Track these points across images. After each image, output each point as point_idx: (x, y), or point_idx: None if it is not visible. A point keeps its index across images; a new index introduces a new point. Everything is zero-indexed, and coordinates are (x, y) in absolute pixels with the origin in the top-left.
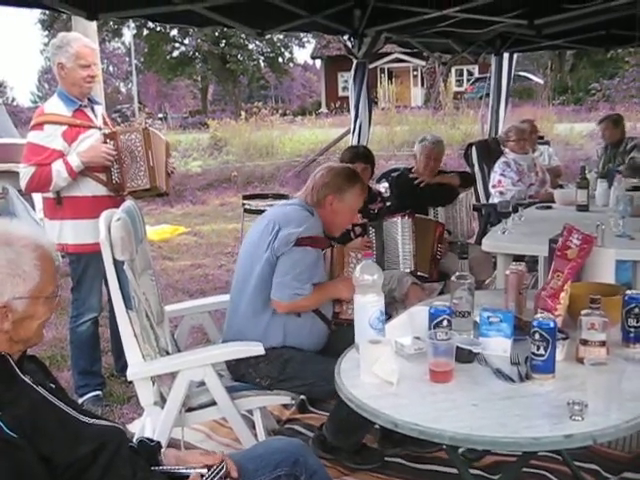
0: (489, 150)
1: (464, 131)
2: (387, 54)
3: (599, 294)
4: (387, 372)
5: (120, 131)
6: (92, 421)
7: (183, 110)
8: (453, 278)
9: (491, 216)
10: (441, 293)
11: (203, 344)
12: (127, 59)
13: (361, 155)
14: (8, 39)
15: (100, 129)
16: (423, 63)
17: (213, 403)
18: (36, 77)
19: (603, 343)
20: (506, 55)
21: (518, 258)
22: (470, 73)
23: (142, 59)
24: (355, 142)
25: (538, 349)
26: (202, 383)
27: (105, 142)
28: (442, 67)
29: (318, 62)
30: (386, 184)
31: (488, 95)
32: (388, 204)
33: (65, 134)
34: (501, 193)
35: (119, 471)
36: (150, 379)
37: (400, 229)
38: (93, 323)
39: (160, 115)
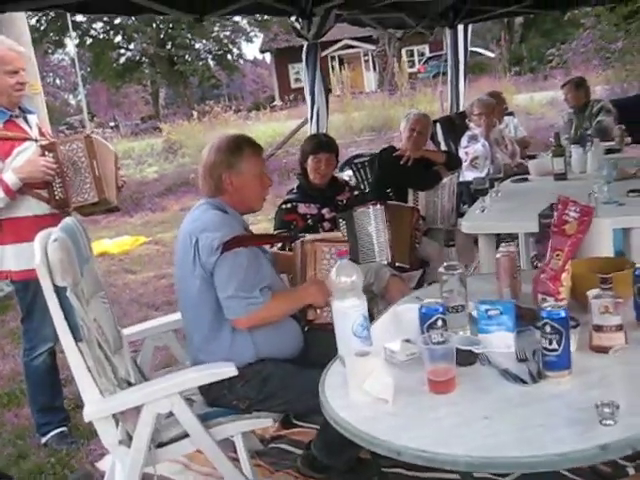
0: (454, 126)
1: (423, 110)
2: (336, 41)
3: (604, 270)
4: (380, 388)
5: (60, 141)
6: None
7: (136, 117)
8: (441, 269)
9: (463, 195)
10: (420, 281)
11: (171, 366)
12: (73, 70)
13: (324, 144)
14: None
15: (36, 140)
16: (373, 47)
17: (186, 435)
18: None
19: (620, 327)
20: (461, 27)
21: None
22: (421, 53)
23: (88, 69)
24: (314, 131)
25: (550, 343)
26: (172, 413)
27: (43, 155)
28: (393, 50)
29: (268, 56)
30: (350, 172)
31: (442, 74)
32: (356, 193)
33: None
34: (473, 161)
35: None
36: (112, 417)
37: (373, 219)
38: (49, 354)
39: (112, 124)
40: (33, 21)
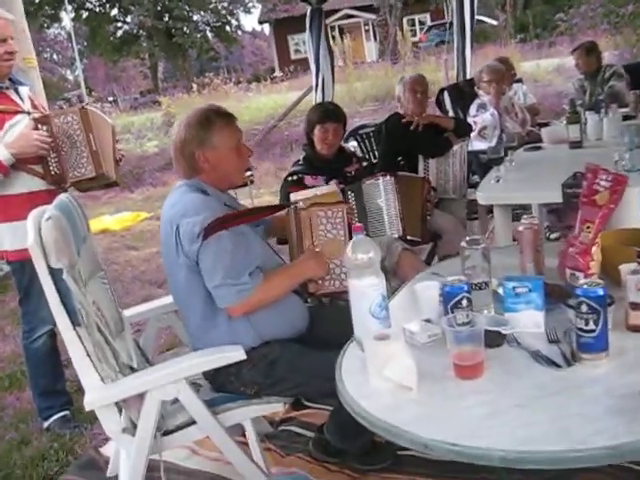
0: (462, 93)
1: (429, 79)
2: (336, 11)
3: (634, 243)
4: (403, 374)
5: (54, 114)
6: None
7: (135, 91)
8: (463, 243)
9: (472, 164)
10: (430, 254)
11: (176, 348)
12: (70, 45)
13: (331, 113)
14: None
15: (29, 113)
16: (374, 17)
17: (193, 422)
18: None
19: None
20: None
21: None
22: (422, 22)
23: (85, 43)
24: (320, 100)
25: (587, 323)
26: (177, 400)
27: (37, 128)
28: (394, 19)
29: (266, 28)
30: (354, 143)
31: (443, 42)
32: (364, 164)
33: None
34: (481, 131)
35: None
36: (114, 404)
37: (382, 191)
38: (49, 336)
39: (110, 98)
40: None
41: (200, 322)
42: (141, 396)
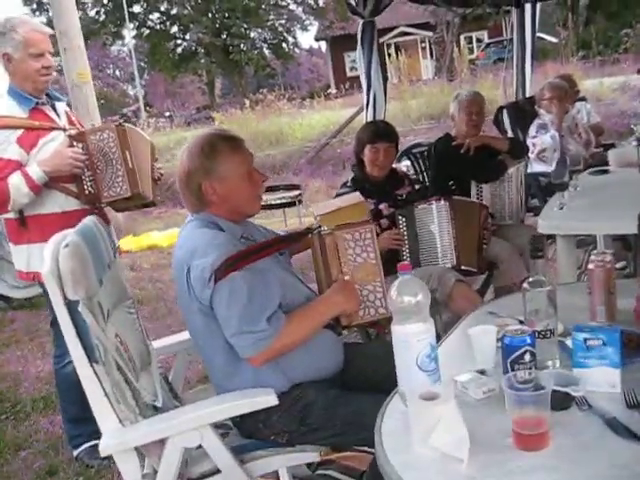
0: (522, 112)
1: (486, 97)
2: (392, 28)
3: None
4: (453, 443)
5: (89, 130)
6: None
7: (192, 107)
8: (525, 285)
9: (531, 187)
10: (485, 284)
11: (207, 383)
12: (131, 61)
13: (383, 132)
14: None
15: (65, 130)
16: (430, 34)
17: (219, 470)
18: None
19: None
20: (528, 7)
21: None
22: (479, 40)
23: (145, 59)
24: (371, 118)
25: None
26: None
27: (72, 145)
28: (451, 36)
29: (323, 45)
30: (408, 162)
31: (502, 59)
32: (417, 187)
33: (21, 140)
34: (540, 154)
35: None
36: (133, 449)
37: (436, 216)
38: None
39: (167, 114)
40: (92, 12)
41: (223, 368)
42: (162, 441)
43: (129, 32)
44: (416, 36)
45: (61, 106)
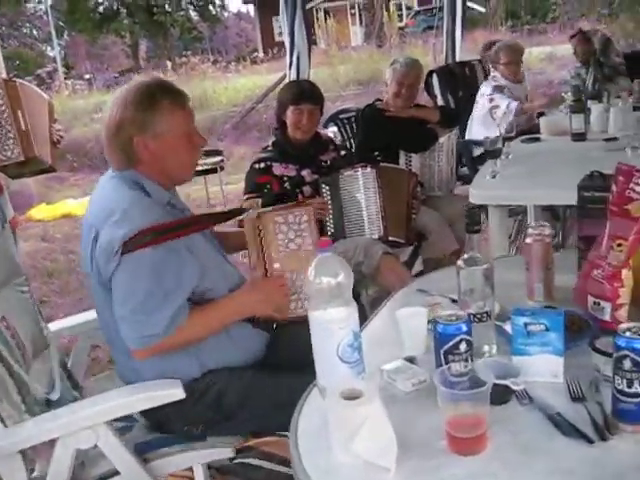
0: (453, 76)
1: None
2: None
3: None
4: (378, 449)
5: None
6: None
7: (114, 70)
8: (459, 262)
9: (462, 157)
10: (413, 256)
11: (110, 370)
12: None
13: (307, 93)
14: None
15: None
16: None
17: (117, 472)
18: None
19: None
20: None
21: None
22: (409, 7)
23: (64, 19)
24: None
25: (630, 385)
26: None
27: None
28: (380, 1)
29: (251, 9)
30: (334, 129)
31: (431, 27)
32: (343, 153)
33: None
34: (493, 111)
35: None
36: (18, 453)
37: (362, 184)
38: None
39: (87, 76)
40: None
41: (126, 350)
42: (53, 442)
43: None
44: (346, 2)
45: None
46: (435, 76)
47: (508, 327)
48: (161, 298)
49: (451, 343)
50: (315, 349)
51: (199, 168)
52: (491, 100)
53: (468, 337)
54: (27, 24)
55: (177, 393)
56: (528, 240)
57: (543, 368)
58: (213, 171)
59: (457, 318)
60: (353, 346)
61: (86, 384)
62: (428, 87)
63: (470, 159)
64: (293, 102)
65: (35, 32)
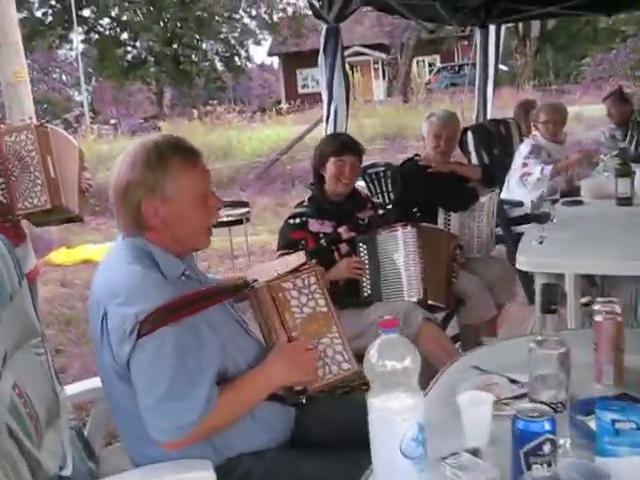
0: (488, 134)
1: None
2: (346, 48)
3: None
4: None
5: (4, 130)
6: None
7: (138, 116)
8: (532, 344)
9: (498, 216)
10: (446, 319)
11: None
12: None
13: (349, 144)
14: None
15: None
16: (384, 55)
17: None
18: None
19: None
20: (492, 28)
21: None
22: (430, 64)
23: (93, 65)
24: (330, 132)
25: None
26: None
27: None
28: (405, 58)
29: (275, 61)
30: (362, 183)
31: (453, 84)
32: (381, 212)
33: None
34: (525, 176)
35: None
36: None
37: (402, 244)
38: None
39: (113, 121)
40: (39, 13)
41: (139, 433)
42: None
43: (77, 36)
44: (369, 57)
45: None
46: (470, 133)
47: (592, 424)
48: (187, 382)
49: (534, 443)
50: (374, 442)
51: (223, 219)
52: (524, 165)
53: (553, 437)
54: (57, 69)
55: (207, 476)
56: (598, 318)
57: (636, 472)
58: (238, 222)
59: (541, 415)
60: (418, 440)
61: (103, 453)
62: (462, 144)
63: (505, 219)
64: (335, 154)
65: (64, 77)
